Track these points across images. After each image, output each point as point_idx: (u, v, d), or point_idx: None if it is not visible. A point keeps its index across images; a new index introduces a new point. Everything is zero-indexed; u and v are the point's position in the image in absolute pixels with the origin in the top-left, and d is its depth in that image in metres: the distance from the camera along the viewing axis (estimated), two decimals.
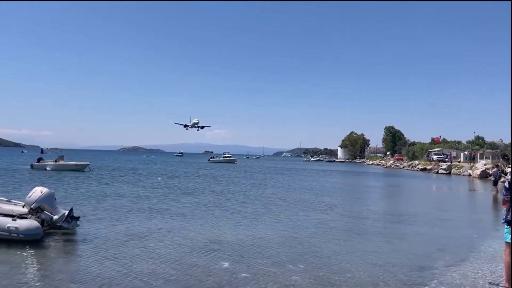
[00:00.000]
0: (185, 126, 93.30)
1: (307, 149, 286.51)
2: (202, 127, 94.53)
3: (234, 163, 74.89)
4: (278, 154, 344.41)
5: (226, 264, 7.34)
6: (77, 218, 9.61)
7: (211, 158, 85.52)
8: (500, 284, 6.23)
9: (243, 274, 6.76)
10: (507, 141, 64.99)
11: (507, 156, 30.85)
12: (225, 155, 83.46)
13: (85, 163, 37.74)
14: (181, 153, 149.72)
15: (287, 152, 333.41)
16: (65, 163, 36.09)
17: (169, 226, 11.12)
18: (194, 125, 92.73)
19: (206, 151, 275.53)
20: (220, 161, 77.51)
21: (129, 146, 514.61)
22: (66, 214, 9.31)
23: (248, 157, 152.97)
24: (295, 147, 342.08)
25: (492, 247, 9.11)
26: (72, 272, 6.71)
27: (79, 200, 15.75)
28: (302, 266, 7.34)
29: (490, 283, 6.41)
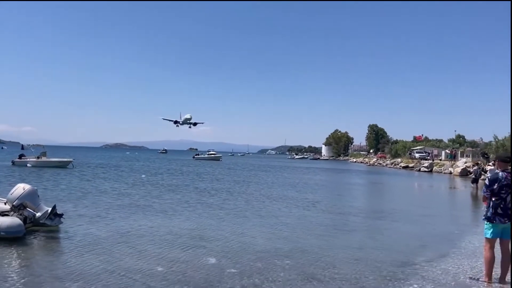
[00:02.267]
0: (176, 122, 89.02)
1: (291, 147, 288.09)
2: (195, 124, 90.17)
3: (219, 160, 74.69)
4: (263, 151, 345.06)
5: (212, 260, 7.36)
6: (61, 215, 9.48)
7: (195, 155, 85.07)
8: (480, 279, 6.39)
9: (230, 270, 6.78)
10: (487, 140, 66.45)
11: (487, 155, 31.59)
12: (209, 152, 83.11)
13: (68, 159, 37.18)
14: (165, 150, 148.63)
15: (272, 149, 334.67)
16: (47, 159, 35.47)
17: (152, 222, 11.06)
18: (186, 122, 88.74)
19: (190, 148, 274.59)
20: (204, 159, 77.17)
21: (112, 143, 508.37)
22: (49, 211, 9.18)
23: (232, 154, 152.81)
24: (280, 145, 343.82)
25: (472, 243, 9.34)
26: (55, 270, 6.63)
27: (62, 197, 15.52)
28: (288, 262, 7.41)
29: (470, 278, 6.58)
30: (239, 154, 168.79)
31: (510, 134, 42.17)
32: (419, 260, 7.80)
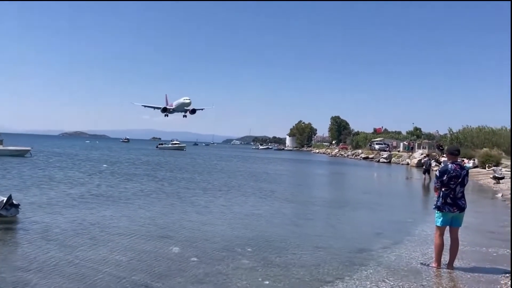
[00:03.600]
0: (164, 110, 77.47)
1: (256, 137, 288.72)
2: (194, 111, 78.57)
3: (183, 150, 73.96)
4: (228, 141, 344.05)
5: (176, 249, 7.42)
6: (17, 206, 9.20)
7: (159, 144, 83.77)
8: (430, 265, 6.82)
9: (193, 259, 6.88)
10: (442, 132, 69.62)
11: (442, 147, 32.77)
12: (173, 142, 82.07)
13: (26, 148, 35.76)
14: (127, 139, 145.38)
15: (236, 139, 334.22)
16: (4, 148, 33.93)
17: (113, 213, 10.95)
18: (181, 108, 77.04)
19: (154, 138, 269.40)
20: (168, 148, 76.20)
21: (71, 131, 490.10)
22: (4, 201, 8.88)
23: (196, 144, 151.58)
24: (245, 135, 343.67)
25: (425, 231, 9.88)
26: (15, 261, 6.48)
27: (18, 187, 14.98)
28: (250, 250, 7.59)
29: (421, 263, 7.00)
30: (203, 144, 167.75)
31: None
32: (375, 247, 8.19)
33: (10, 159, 29.53)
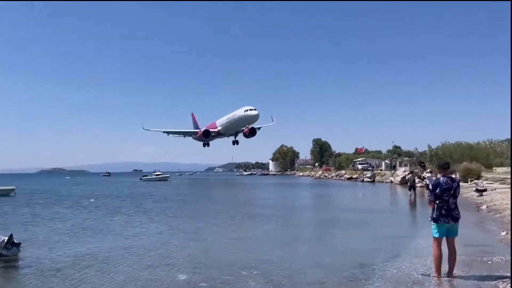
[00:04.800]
0: (206, 135, 56.13)
1: (239, 164, 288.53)
2: (254, 132, 55.80)
3: (167, 180, 73.37)
4: (210, 169, 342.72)
5: (183, 277, 7.50)
6: (18, 244, 9.12)
7: (143, 176, 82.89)
8: (431, 275, 7.10)
9: (201, 284, 6.98)
10: (421, 149, 71.23)
11: (423, 163, 33.64)
12: (156, 173, 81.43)
13: (11, 187, 35.07)
14: (108, 173, 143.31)
15: (219, 167, 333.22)
16: None
17: (110, 245, 10.93)
18: (237, 126, 53.38)
19: (135, 170, 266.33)
20: (152, 179, 75.42)
21: (49, 167, 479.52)
22: (5, 240, 8.81)
23: (181, 174, 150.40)
24: (227, 162, 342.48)
25: (420, 244, 10.18)
26: None
27: (13, 226, 14.70)
28: (255, 272, 7.73)
29: (422, 274, 7.26)
30: (187, 173, 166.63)
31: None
32: (375, 261, 8.44)
33: None
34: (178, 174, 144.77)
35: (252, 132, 55.60)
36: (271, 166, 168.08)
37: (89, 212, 20.26)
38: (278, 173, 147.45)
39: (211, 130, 57.04)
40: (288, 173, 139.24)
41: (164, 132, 61.54)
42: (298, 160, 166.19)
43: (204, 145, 61.48)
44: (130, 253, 9.85)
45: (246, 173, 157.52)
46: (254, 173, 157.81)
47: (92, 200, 28.83)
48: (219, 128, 56.78)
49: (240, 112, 52.99)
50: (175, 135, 63.57)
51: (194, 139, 64.02)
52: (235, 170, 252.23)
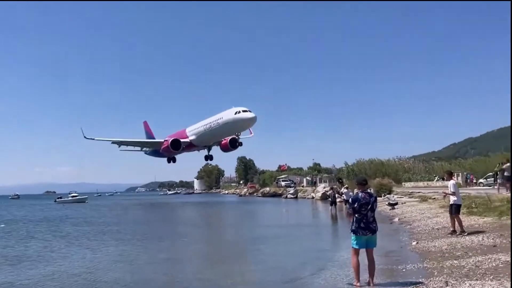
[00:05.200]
0: (176, 146, 44.28)
1: (162, 183, 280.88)
2: (235, 145, 45.07)
3: (84, 202, 69.03)
4: (132, 189, 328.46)
5: None
6: None
7: (58, 198, 76.93)
8: (353, 284, 7.68)
9: None
10: (339, 166, 75.54)
11: (341, 179, 35.99)
12: (73, 195, 76.28)
13: None
14: (17, 195, 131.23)
15: (141, 187, 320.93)
16: None
17: (30, 273, 10.18)
18: (225, 133, 42.19)
19: (47, 192, 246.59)
20: (68, 202, 70.45)
21: None
22: None
23: (99, 195, 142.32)
24: (150, 181, 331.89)
25: (343, 256, 10.87)
26: None
27: None
28: None
29: (347, 283, 7.83)
30: (106, 194, 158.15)
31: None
32: (304, 275, 8.93)
33: None
34: (96, 195, 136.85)
35: (233, 145, 44.78)
36: (196, 185, 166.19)
37: (2, 238, 18.46)
38: (204, 191, 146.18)
39: (183, 140, 44.72)
40: (214, 191, 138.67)
41: (114, 142, 47.96)
42: (223, 178, 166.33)
43: (169, 161, 50.17)
44: (53, 279, 9.28)
45: (170, 192, 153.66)
46: (178, 192, 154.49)
47: (2, 225, 26.30)
48: (191, 138, 44.33)
49: (228, 115, 39.15)
50: (129, 146, 49.98)
51: (155, 153, 52.13)
52: (158, 189, 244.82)
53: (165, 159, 51.94)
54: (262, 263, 11.00)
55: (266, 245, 14.29)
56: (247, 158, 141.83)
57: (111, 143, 48.01)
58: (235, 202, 58.50)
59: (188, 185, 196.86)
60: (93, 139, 47.67)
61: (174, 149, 44.89)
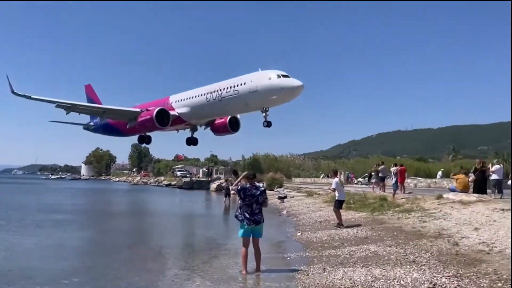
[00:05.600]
0: (161, 120, 28.27)
1: (44, 166, 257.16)
2: (236, 126, 31.59)
3: None
4: (7, 171, 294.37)
5: None
6: None
7: None
8: (242, 271, 8.13)
9: None
10: (235, 159, 77.46)
11: (236, 172, 36.82)
12: None
13: None
14: None
15: (19, 169, 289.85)
16: None
17: None
18: (207, 117, 30.16)
19: None
20: None
21: None
22: None
23: None
24: (29, 164, 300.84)
25: (234, 245, 11.29)
26: None
27: None
28: (76, 280, 7.50)
29: (239, 271, 8.25)
30: None
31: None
32: (196, 262, 9.19)
33: None
34: None
35: (233, 126, 31.50)
36: (84, 170, 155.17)
37: None
38: (92, 177, 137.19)
39: (172, 113, 29.31)
40: (103, 178, 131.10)
41: (59, 106, 30.26)
42: (114, 164, 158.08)
43: (141, 141, 33.43)
44: None
45: (53, 176, 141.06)
46: (63, 177, 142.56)
47: None
48: (181, 110, 29.45)
49: (262, 79, 24.11)
50: (82, 113, 32.52)
51: (107, 128, 35.77)
52: (39, 173, 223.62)
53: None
54: (153, 251, 10.99)
55: (159, 235, 14.24)
56: (142, 146, 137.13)
57: (55, 106, 30.04)
58: (124, 190, 56.32)
59: (74, 170, 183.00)
60: (28, 96, 29.15)
61: (160, 124, 28.74)
